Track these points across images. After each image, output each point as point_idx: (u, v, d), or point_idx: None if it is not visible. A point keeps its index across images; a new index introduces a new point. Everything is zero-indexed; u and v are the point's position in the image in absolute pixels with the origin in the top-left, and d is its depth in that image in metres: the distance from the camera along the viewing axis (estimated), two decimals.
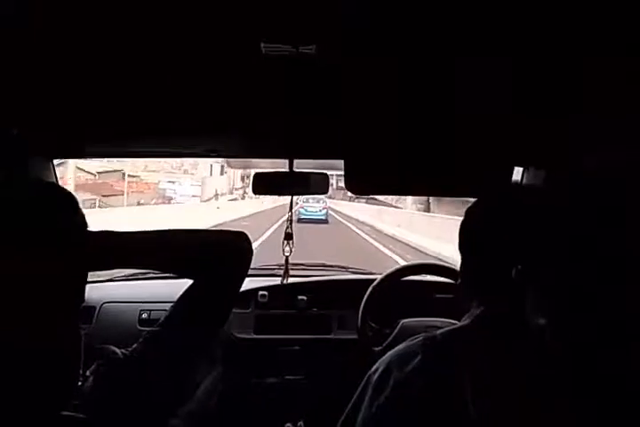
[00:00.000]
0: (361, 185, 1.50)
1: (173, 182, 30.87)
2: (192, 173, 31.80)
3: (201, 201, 28.90)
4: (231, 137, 1.53)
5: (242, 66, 0.95)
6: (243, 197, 35.62)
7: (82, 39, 0.83)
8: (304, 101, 1.17)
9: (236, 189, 37.00)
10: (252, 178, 1.70)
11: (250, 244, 0.85)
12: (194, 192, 30.71)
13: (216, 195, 32.45)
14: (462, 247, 0.94)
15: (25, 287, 0.63)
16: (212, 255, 0.80)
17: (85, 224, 0.73)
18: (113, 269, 0.78)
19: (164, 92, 1.11)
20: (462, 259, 0.95)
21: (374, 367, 0.89)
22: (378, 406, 0.84)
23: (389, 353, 0.90)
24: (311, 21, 0.77)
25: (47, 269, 0.64)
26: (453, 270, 1.84)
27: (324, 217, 21.04)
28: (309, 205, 20.96)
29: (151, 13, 0.75)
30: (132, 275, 2.23)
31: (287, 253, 1.96)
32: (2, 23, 0.74)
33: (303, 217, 19.32)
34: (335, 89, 1.09)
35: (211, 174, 33.48)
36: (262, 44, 0.82)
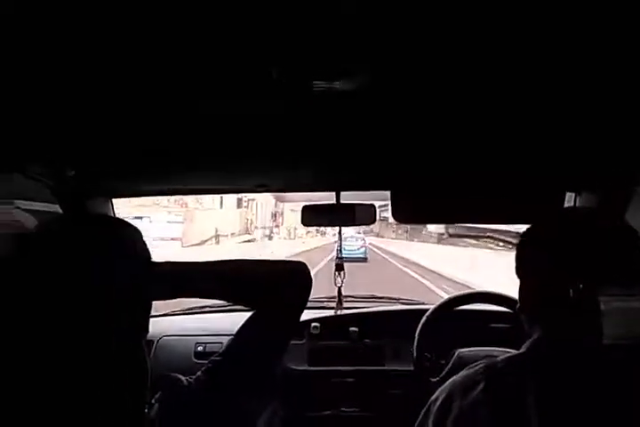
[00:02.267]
0: (406, 214, 1.51)
1: (141, 219, 16.16)
2: (167, 206, 20.08)
3: (183, 246, 18.83)
4: (280, 172, 1.58)
5: (288, 103, 0.99)
6: (270, 237, 32.05)
7: (129, 83, 0.89)
8: (348, 134, 1.20)
9: (263, 228, 32.29)
10: (300, 211, 1.74)
11: (309, 274, 0.87)
12: (173, 232, 18.83)
13: (216, 236, 23.01)
14: (520, 272, 0.93)
15: (94, 319, 0.67)
16: (273, 285, 0.82)
17: (149, 255, 0.77)
18: (174, 298, 0.81)
19: (216, 129, 1.16)
20: (520, 284, 0.94)
21: (435, 396, 0.88)
22: None
23: (450, 381, 0.89)
24: (352, 56, 0.80)
25: (114, 300, 0.68)
26: (507, 298, 1.80)
27: (362, 255, 20.39)
28: (347, 243, 20.19)
29: (195, 52, 0.79)
30: (188, 309, 2.29)
31: (339, 284, 1.96)
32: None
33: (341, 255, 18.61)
34: (380, 121, 1.12)
35: (221, 207, 24.86)
36: (313, 82, 0.85)
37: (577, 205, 1.62)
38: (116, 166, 1.44)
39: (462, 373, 0.89)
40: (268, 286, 0.81)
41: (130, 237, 0.75)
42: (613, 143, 1.22)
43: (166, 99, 0.97)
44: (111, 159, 1.37)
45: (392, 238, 36.66)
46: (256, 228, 31.12)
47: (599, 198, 1.54)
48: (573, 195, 1.62)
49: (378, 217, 1.85)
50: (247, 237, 27.14)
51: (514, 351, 0.92)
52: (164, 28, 0.70)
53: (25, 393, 0.62)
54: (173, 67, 0.83)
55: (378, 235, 43.56)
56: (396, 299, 2.47)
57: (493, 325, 1.94)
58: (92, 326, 0.66)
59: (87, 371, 0.65)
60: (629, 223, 0.89)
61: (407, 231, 33.30)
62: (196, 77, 0.88)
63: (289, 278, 0.84)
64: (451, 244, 19.97)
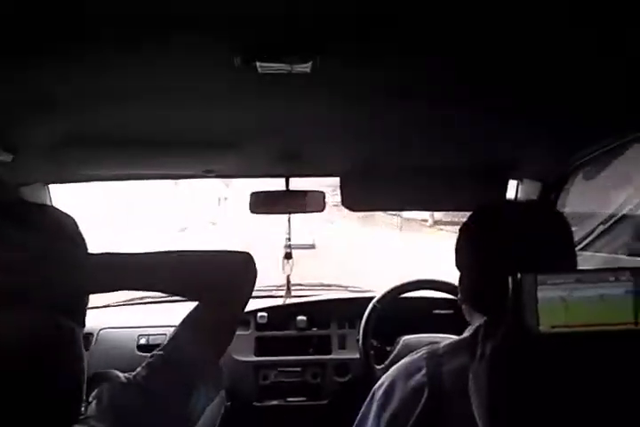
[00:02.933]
0: (356, 201, 1.51)
1: None
2: None
3: None
4: (227, 157, 1.54)
5: (237, 84, 0.95)
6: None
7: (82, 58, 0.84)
8: (299, 119, 1.18)
9: None
10: (249, 197, 1.70)
11: (254, 264, 0.84)
12: None
13: None
14: (459, 262, 0.95)
15: (25, 310, 0.62)
16: (217, 276, 0.79)
17: (85, 246, 0.72)
18: (114, 291, 0.77)
19: (159, 112, 1.12)
20: (460, 274, 0.95)
21: (379, 383, 0.89)
22: (385, 421, 0.83)
23: (393, 368, 0.90)
24: (305, 39, 0.78)
25: (48, 292, 0.64)
26: (451, 285, 1.84)
27: (311, 242, 21.18)
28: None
29: (151, 33, 0.76)
30: (129, 300, 2.22)
31: (287, 273, 1.95)
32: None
33: (290, 243, 19.20)
34: (329, 105, 1.11)
35: None
36: (258, 64, 0.83)
37: (519, 192, 1.66)
38: (53, 151, 1.36)
39: (405, 359, 0.91)
40: (211, 278, 0.78)
41: (65, 226, 0.70)
42: (554, 130, 1.25)
43: (109, 78, 0.92)
44: (48, 143, 1.29)
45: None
46: None
47: (541, 187, 1.58)
48: (516, 183, 1.67)
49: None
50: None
51: (456, 338, 0.94)
52: None
53: None
54: (117, 45, 0.79)
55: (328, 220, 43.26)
56: (344, 286, 2.48)
57: (437, 311, 1.98)
58: (23, 320, 0.62)
59: (18, 367, 0.61)
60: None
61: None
62: (141, 55, 0.83)
63: (233, 269, 0.81)
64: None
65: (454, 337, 0.98)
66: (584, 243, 1.60)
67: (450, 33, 0.77)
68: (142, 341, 1.91)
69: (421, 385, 0.83)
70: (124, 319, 2.05)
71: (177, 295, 0.87)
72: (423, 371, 0.84)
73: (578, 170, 1.46)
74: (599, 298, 0.73)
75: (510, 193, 1.65)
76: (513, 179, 1.62)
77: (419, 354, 0.89)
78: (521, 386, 0.77)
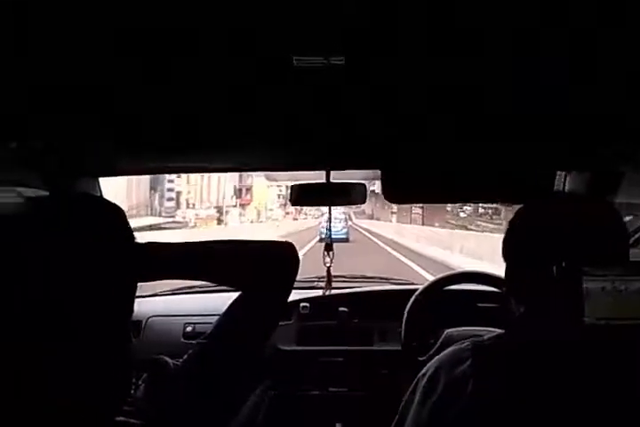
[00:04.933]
0: (398, 194, 1.50)
1: None
2: None
3: None
4: (268, 151, 1.55)
5: (274, 79, 0.96)
6: (220, 222, 23.39)
7: (114, 61, 0.86)
8: (339, 112, 1.18)
9: (209, 208, 24.72)
10: (289, 189, 1.72)
11: (296, 254, 0.86)
12: None
13: None
14: (506, 254, 0.94)
15: (77, 299, 0.65)
16: (259, 265, 0.81)
17: (133, 236, 0.75)
18: (161, 280, 0.79)
19: (199, 106, 1.14)
20: (507, 266, 0.94)
21: (422, 372, 0.89)
22: (428, 410, 0.83)
23: (437, 357, 0.90)
24: (340, 33, 0.78)
25: (97, 282, 0.67)
26: (495, 278, 1.81)
27: (344, 236, 21.37)
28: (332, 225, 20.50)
29: (185, 31, 0.77)
30: (176, 289, 2.28)
31: (328, 264, 1.96)
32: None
33: (325, 236, 18.99)
34: (368, 99, 1.10)
35: None
36: (294, 57, 0.83)
37: (566, 184, 1.61)
38: (100, 144, 1.41)
39: (449, 349, 0.91)
40: (255, 267, 0.80)
41: (113, 217, 0.73)
42: (604, 124, 1.21)
43: (150, 71, 0.94)
44: (99, 137, 1.34)
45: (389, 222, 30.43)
46: (191, 206, 24.75)
47: (589, 179, 1.53)
48: (563, 174, 1.62)
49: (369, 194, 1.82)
50: (150, 220, 17.53)
51: (500, 331, 0.93)
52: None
53: (2, 375, 0.61)
54: (155, 43, 0.80)
55: (372, 217, 38.07)
56: (386, 279, 2.48)
57: (481, 304, 1.95)
58: (75, 308, 0.65)
59: (70, 352, 0.64)
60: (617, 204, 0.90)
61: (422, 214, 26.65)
62: (181, 53, 0.85)
63: (276, 259, 0.83)
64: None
65: (498, 330, 0.97)
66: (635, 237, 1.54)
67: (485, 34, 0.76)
68: (189, 329, 1.96)
69: (466, 375, 0.82)
70: (171, 308, 2.11)
71: (222, 284, 0.90)
72: (468, 362, 0.84)
73: (630, 160, 1.41)
74: None
75: (558, 185, 1.60)
76: (561, 170, 1.57)
77: (463, 345, 0.89)
78: (561, 380, 0.76)
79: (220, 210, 26.19)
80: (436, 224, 22.16)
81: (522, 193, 1.32)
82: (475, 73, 0.95)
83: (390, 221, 30.19)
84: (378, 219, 34.81)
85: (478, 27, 0.75)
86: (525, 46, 0.82)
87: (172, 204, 27.50)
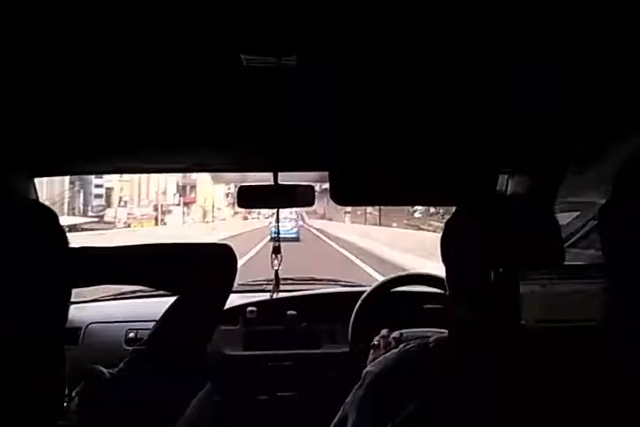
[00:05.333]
0: (345, 196, 1.50)
1: None
2: None
3: None
4: (215, 151, 1.52)
5: (223, 78, 0.94)
6: (158, 221, 20.06)
7: (66, 52, 0.82)
8: (287, 113, 1.17)
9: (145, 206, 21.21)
10: (236, 191, 1.69)
11: (234, 256, 0.84)
12: None
13: None
14: (445, 256, 0.95)
15: (5, 306, 0.61)
16: (194, 268, 0.79)
17: (67, 240, 0.71)
18: (96, 285, 0.76)
19: (146, 106, 1.11)
20: (446, 269, 0.95)
21: (368, 369, 0.89)
22: (371, 411, 0.83)
23: (382, 359, 0.90)
24: (292, 32, 0.77)
25: (29, 288, 0.63)
26: (442, 280, 1.84)
27: (295, 235, 21.71)
28: (281, 224, 20.38)
29: (137, 29, 0.75)
30: (117, 294, 2.20)
31: (276, 267, 1.94)
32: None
33: (275, 235, 18.91)
34: (317, 99, 1.10)
35: None
36: (243, 56, 0.82)
37: (508, 187, 1.66)
38: (42, 143, 1.34)
39: (394, 351, 0.91)
40: (190, 270, 0.78)
41: (46, 221, 0.69)
42: (546, 126, 1.25)
43: (96, 74, 0.91)
44: (36, 135, 1.27)
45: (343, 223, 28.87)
46: (123, 205, 21.83)
47: (530, 181, 1.58)
48: (506, 177, 1.66)
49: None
50: (67, 219, 15.52)
51: (446, 332, 0.94)
52: None
53: None
54: (107, 39, 0.77)
55: (324, 217, 36.38)
56: (334, 281, 2.48)
57: (428, 306, 1.98)
58: (4, 315, 0.61)
59: None
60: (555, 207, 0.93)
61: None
62: (129, 50, 0.82)
63: (212, 262, 0.81)
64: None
65: (444, 331, 0.98)
66: (573, 239, 1.60)
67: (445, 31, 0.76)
68: (131, 335, 1.90)
69: (411, 377, 0.83)
70: (113, 313, 2.04)
71: (158, 288, 0.87)
72: (413, 363, 0.84)
73: (570, 164, 1.46)
74: (578, 293, 0.73)
75: (501, 187, 1.65)
76: (503, 173, 1.62)
77: (408, 346, 0.89)
78: (498, 381, 0.77)
79: (157, 208, 23.36)
80: (394, 224, 22.20)
81: (466, 196, 1.34)
82: (420, 75, 0.96)
83: (343, 222, 29.50)
84: (330, 219, 33.87)
85: (420, 27, 0.76)
86: (470, 47, 0.83)
87: (101, 201, 25.00)
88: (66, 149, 1.42)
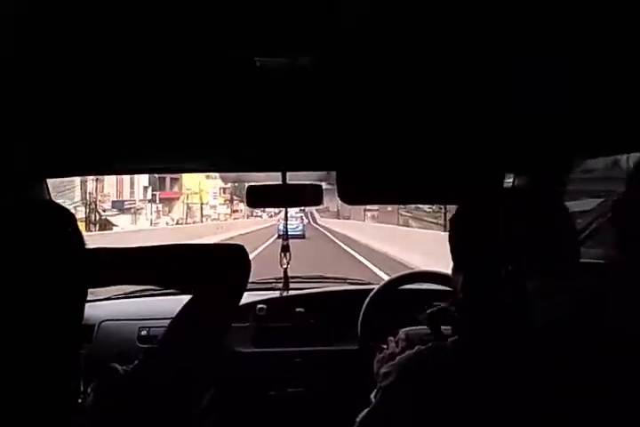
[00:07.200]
0: (353, 195, 1.51)
1: None
2: None
3: None
4: (224, 151, 1.54)
5: (230, 79, 0.95)
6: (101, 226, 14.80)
7: (70, 56, 0.84)
8: (295, 113, 1.18)
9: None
10: (245, 191, 1.71)
11: (248, 257, 0.85)
12: None
13: None
14: (453, 254, 0.94)
15: (23, 306, 0.63)
16: (209, 269, 0.80)
17: (83, 241, 0.73)
18: (111, 285, 0.78)
19: (157, 107, 1.12)
20: (453, 265, 0.95)
21: (383, 372, 0.89)
22: (392, 414, 0.83)
23: (398, 362, 0.89)
24: (306, 33, 0.78)
25: (45, 288, 0.65)
26: (449, 277, 1.84)
27: (300, 233, 22.74)
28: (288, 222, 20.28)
29: (147, 31, 0.76)
30: (130, 293, 2.23)
31: (285, 266, 1.95)
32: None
33: (281, 233, 18.68)
34: (327, 100, 1.11)
35: None
36: (256, 58, 0.82)
37: (515, 186, 1.66)
38: (52, 144, 1.36)
39: (410, 353, 0.90)
40: (204, 270, 0.79)
41: (62, 222, 0.71)
42: (552, 125, 1.25)
43: (110, 71, 0.92)
44: (48, 137, 1.30)
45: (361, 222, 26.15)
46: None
47: (537, 180, 1.58)
48: (513, 176, 1.66)
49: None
50: None
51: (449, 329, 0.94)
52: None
53: None
54: (119, 44, 0.79)
55: (339, 215, 33.97)
56: (342, 279, 2.49)
57: (437, 303, 1.99)
58: (21, 315, 0.63)
59: (16, 361, 0.62)
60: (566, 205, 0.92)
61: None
62: (138, 53, 0.83)
63: (225, 262, 0.82)
64: None
65: (449, 329, 0.98)
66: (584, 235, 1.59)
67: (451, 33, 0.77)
68: (143, 333, 1.92)
69: (428, 379, 0.82)
70: (125, 311, 2.07)
71: (172, 288, 0.88)
72: (430, 365, 0.84)
73: (578, 164, 1.46)
74: (590, 290, 0.74)
75: (508, 186, 1.65)
76: (510, 172, 1.62)
77: (424, 348, 0.89)
78: (510, 381, 0.77)
79: (92, 208, 16.85)
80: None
81: (474, 193, 1.35)
82: (426, 74, 0.96)
83: (363, 221, 26.65)
84: (347, 218, 29.67)
85: (429, 26, 0.76)
86: (471, 47, 0.83)
87: None
88: (77, 150, 1.44)
